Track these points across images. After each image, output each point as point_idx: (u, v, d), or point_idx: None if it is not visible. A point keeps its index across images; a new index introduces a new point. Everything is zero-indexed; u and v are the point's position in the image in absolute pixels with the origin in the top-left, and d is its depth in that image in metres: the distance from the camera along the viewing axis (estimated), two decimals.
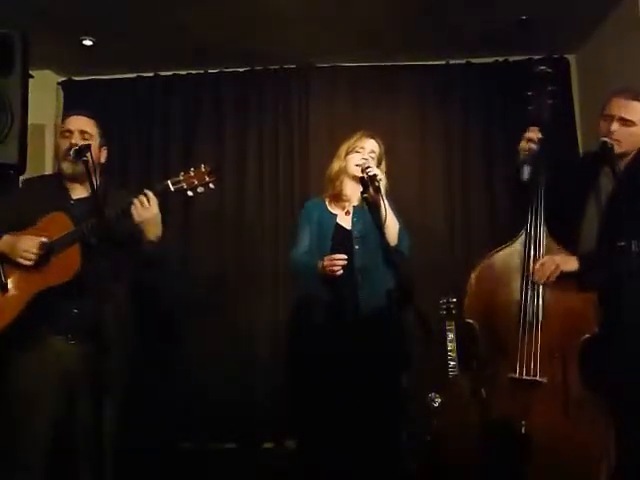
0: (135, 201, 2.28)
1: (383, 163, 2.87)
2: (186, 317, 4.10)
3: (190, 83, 4.38)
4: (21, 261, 2.24)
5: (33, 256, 2.24)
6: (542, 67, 2.67)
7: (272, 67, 4.31)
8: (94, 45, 3.90)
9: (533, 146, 2.52)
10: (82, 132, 2.46)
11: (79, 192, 2.49)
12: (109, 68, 4.33)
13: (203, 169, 2.33)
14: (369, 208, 2.47)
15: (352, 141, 2.84)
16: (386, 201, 2.58)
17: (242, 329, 4.10)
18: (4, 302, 2.26)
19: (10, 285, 2.27)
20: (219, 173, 2.37)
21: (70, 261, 2.28)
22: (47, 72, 4.34)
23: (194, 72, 4.38)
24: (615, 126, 2.47)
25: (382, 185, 2.58)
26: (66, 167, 2.45)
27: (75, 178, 2.47)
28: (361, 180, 2.62)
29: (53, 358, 2.30)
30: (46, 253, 2.26)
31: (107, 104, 4.38)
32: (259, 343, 4.07)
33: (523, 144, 2.57)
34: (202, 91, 4.36)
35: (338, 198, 2.85)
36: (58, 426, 2.31)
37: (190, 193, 2.32)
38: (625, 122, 2.47)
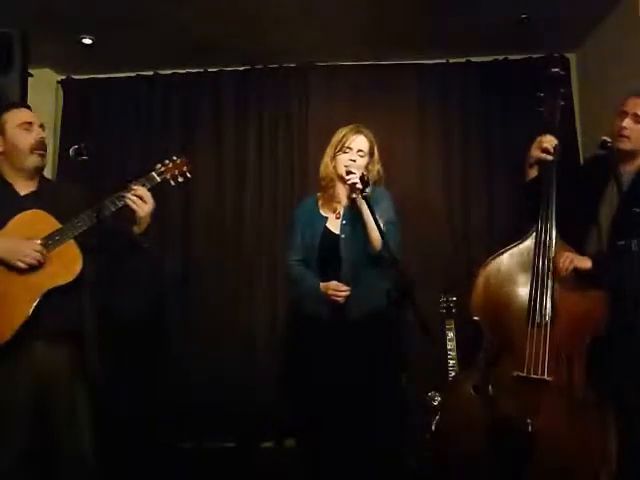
0: (133, 198, 2.27)
1: (375, 154, 2.77)
2: (186, 316, 4.10)
3: (190, 82, 4.37)
4: (21, 265, 2.15)
5: (34, 260, 2.16)
6: (556, 69, 2.68)
7: (272, 66, 4.31)
8: (94, 44, 3.90)
9: (549, 157, 2.54)
10: (41, 125, 2.40)
11: (25, 187, 2.35)
12: (108, 67, 4.33)
13: (178, 160, 2.41)
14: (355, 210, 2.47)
15: (340, 137, 2.74)
16: (366, 207, 2.48)
17: (242, 328, 4.10)
18: (5, 311, 2.15)
19: (6, 291, 2.16)
20: (191, 163, 2.47)
21: (70, 261, 2.23)
22: (46, 70, 4.34)
23: (194, 71, 4.37)
24: (627, 122, 2.51)
25: (363, 192, 2.49)
26: (33, 161, 2.32)
27: (33, 174, 2.36)
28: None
29: (31, 360, 2.21)
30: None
31: (106, 103, 4.39)
32: (259, 342, 4.07)
33: (537, 152, 2.58)
34: (202, 90, 4.36)
35: (330, 200, 2.78)
36: (37, 429, 2.23)
37: (172, 183, 2.41)
38: (636, 118, 2.49)
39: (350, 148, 2.71)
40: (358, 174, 2.52)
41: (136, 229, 2.33)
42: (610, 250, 2.42)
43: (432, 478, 2.76)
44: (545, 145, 2.56)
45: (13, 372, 2.20)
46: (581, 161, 4.02)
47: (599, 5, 3.53)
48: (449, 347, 3.29)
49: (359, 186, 2.49)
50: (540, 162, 2.59)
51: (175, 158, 2.42)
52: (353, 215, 2.68)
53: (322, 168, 2.81)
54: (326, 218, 2.77)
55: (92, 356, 2.29)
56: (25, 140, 2.32)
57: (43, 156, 2.35)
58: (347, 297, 2.61)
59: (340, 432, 2.58)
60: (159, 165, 2.39)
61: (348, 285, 2.62)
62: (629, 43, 3.43)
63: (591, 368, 2.36)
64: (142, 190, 2.29)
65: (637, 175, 2.52)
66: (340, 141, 2.73)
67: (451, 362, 3.27)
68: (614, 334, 2.32)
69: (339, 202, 2.77)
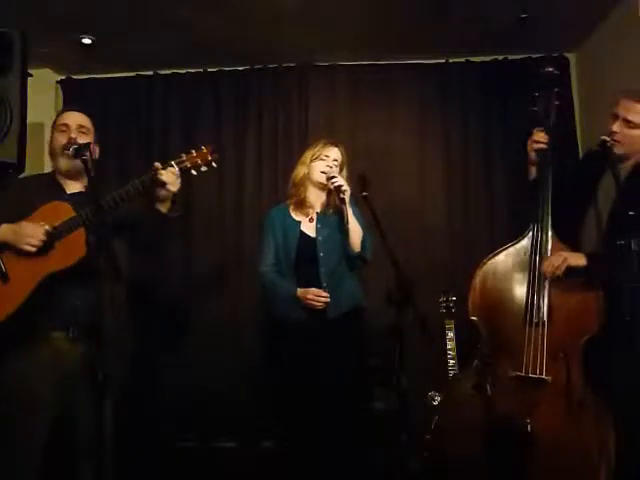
0: (165, 173, 2.28)
1: (345, 170, 2.94)
2: (186, 316, 4.10)
3: (189, 82, 4.37)
4: (26, 247, 2.20)
5: (38, 242, 2.20)
6: (549, 69, 2.69)
7: (271, 66, 4.31)
8: (93, 44, 3.90)
9: (542, 146, 2.55)
10: (80, 126, 2.46)
11: (73, 187, 2.47)
12: (108, 67, 4.33)
13: (204, 149, 2.39)
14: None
15: (316, 149, 2.93)
16: (350, 209, 2.70)
17: (243, 328, 4.10)
18: (7, 291, 2.21)
19: (13, 273, 2.23)
20: (218, 153, 2.43)
21: (74, 247, 2.26)
22: (46, 70, 4.33)
23: (193, 71, 4.37)
24: (617, 126, 2.49)
25: (347, 195, 2.70)
26: (63, 163, 2.42)
27: (70, 175, 2.45)
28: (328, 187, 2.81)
29: (52, 356, 2.28)
30: (50, 240, 2.23)
31: (106, 103, 4.38)
32: (259, 342, 4.06)
33: (531, 146, 2.58)
34: (201, 90, 4.35)
35: (302, 205, 2.92)
36: (56, 425, 2.28)
37: (194, 172, 2.38)
38: (628, 124, 2.47)
39: (327, 156, 2.89)
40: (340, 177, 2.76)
41: (162, 208, 2.37)
42: (607, 248, 2.42)
43: (432, 478, 2.76)
44: (536, 138, 2.59)
45: (36, 367, 2.25)
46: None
47: (599, 5, 3.53)
48: (449, 347, 3.29)
49: (345, 188, 2.69)
50: (538, 157, 2.59)
51: (202, 146, 2.39)
52: (327, 218, 2.87)
53: (295, 174, 2.98)
54: (299, 222, 2.91)
55: (109, 353, 2.31)
56: (58, 141, 2.43)
57: (70, 159, 2.37)
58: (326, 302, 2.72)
59: (321, 432, 2.66)
60: (182, 154, 2.38)
61: (326, 285, 2.74)
62: (629, 43, 3.43)
63: (589, 367, 2.37)
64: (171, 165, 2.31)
65: (629, 177, 2.50)
66: (317, 151, 2.92)
67: (451, 362, 3.27)
68: (612, 334, 2.32)
69: (311, 207, 2.93)
